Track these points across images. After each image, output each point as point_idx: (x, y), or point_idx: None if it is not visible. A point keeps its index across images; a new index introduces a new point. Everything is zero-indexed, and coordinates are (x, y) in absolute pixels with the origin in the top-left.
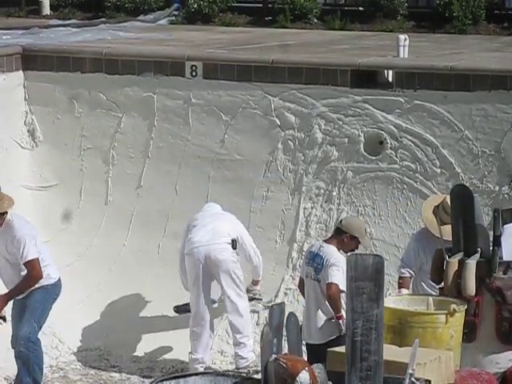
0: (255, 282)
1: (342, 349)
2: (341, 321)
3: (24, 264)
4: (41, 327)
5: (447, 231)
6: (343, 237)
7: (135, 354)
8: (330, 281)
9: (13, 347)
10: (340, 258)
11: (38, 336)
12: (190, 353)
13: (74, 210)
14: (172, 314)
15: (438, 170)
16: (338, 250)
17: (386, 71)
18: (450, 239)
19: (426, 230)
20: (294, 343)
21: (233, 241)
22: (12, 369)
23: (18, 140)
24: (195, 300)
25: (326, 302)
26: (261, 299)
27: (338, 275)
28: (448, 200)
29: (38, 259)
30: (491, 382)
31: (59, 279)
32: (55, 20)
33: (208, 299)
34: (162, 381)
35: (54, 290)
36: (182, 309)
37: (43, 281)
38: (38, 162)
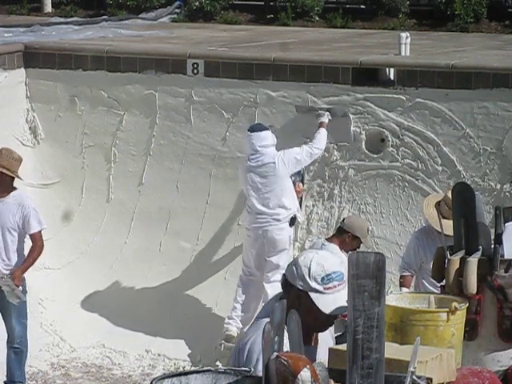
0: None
1: (343, 347)
2: (346, 318)
3: (30, 235)
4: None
5: (448, 226)
6: (345, 236)
7: (137, 351)
8: None
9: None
10: (343, 258)
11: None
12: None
13: (76, 208)
14: (174, 311)
15: (440, 168)
16: (341, 249)
17: (387, 69)
18: (451, 234)
19: (425, 228)
20: (296, 341)
21: (292, 219)
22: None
23: (19, 137)
24: (250, 264)
25: None
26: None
27: None
28: (450, 195)
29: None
30: (493, 380)
31: None
32: (57, 18)
33: (262, 268)
34: (163, 378)
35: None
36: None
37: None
38: (40, 160)
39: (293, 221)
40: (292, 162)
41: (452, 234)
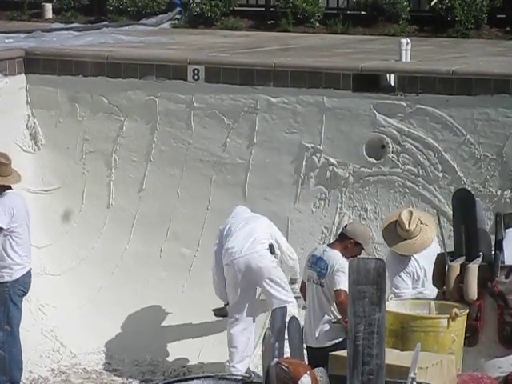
0: (293, 281)
1: (343, 353)
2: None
3: None
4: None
5: (402, 247)
6: (347, 243)
7: (137, 357)
8: (338, 288)
9: None
10: (345, 264)
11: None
12: (227, 361)
13: (76, 214)
14: (174, 316)
15: (440, 174)
16: (342, 255)
17: (388, 75)
18: (407, 254)
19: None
20: (296, 347)
21: (270, 246)
22: None
23: (20, 143)
24: (236, 307)
25: (332, 307)
26: (299, 297)
27: (345, 281)
28: (403, 216)
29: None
30: None
31: (24, 275)
32: (57, 23)
33: (249, 306)
34: None
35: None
36: (219, 312)
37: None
38: (40, 166)
39: (272, 248)
40: (275, 231)
41: (407, 254)
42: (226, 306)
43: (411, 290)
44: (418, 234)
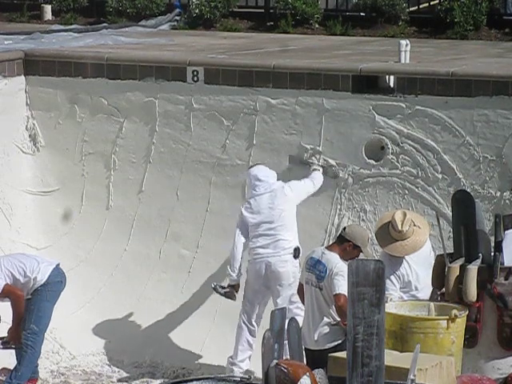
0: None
1: (343, 354)
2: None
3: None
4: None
5: (394, 248)
6: (346, 245)
7: (136, 358)
8: (337, 291)
9: None
10: (343, 267)
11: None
12: (231, 356)
13: (76, 215)
14: (173, 318)
15: (440, 176)
16: (341, 257)
17: (387, 76)
18: (400, 255)
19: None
20: (295, 348)
21: (295, 250)
22: None
23: (19, 145)
24: (249, 304)
25: (330, 310)
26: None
27: (344, 284)
28: (396, 217)
29: (7, 284)
30: None
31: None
32: (57, 25)
33: (260, 306)
34: None
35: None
36: (219, 290)
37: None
38: (40, 167)
39: (296, 252)
40: (298, 188)
41: (398, 255)
42: (230, 286)
43: (398, 292)
44: (411, 235)
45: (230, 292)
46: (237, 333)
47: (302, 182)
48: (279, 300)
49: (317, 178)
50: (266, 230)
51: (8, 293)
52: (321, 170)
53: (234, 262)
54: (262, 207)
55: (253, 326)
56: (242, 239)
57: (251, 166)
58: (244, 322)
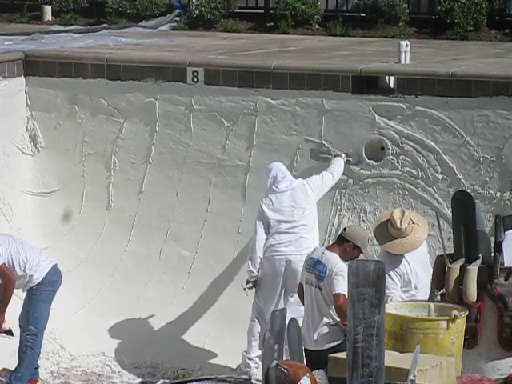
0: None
1: (343, 355)
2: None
3: None
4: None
5: (394, 245)
6: (346, 245)
7: (136, 359)
8: (337, 291)
9: None
10: (343, 267)
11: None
12: (245, 351)
13: (76, 216)
14: (173, 319)
15: (440, 176)
16: (341, 258)
17: (387, 77)
18: (399, 253)
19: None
20: (296, 349)
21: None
22: None
23: (19, 146)
24: (263, 300)
25: (330, 310)
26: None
27: (344, 284)
28: (395, 215)
29: (4, 264)
30: None
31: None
32: (57, 26)
33: (273, 303)
34: None
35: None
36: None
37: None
38: (40, 168)
39: None
40: (317, 186)
41: (397, 253)
42: (250, 282)
43: (400, 290)
44: (410, 233)
45: (250, 289)
46: (249, 328)
47: (320, 178)
48: (292, 298)
49: (336, 169)
50: (289, 229)
51: (2, 273)
52: (343, 155)
53: (255, 258)
54: (284, 205)
55: (265, 322)
56: (264, 236)
57: (269, 164)
58: (257, 318)
